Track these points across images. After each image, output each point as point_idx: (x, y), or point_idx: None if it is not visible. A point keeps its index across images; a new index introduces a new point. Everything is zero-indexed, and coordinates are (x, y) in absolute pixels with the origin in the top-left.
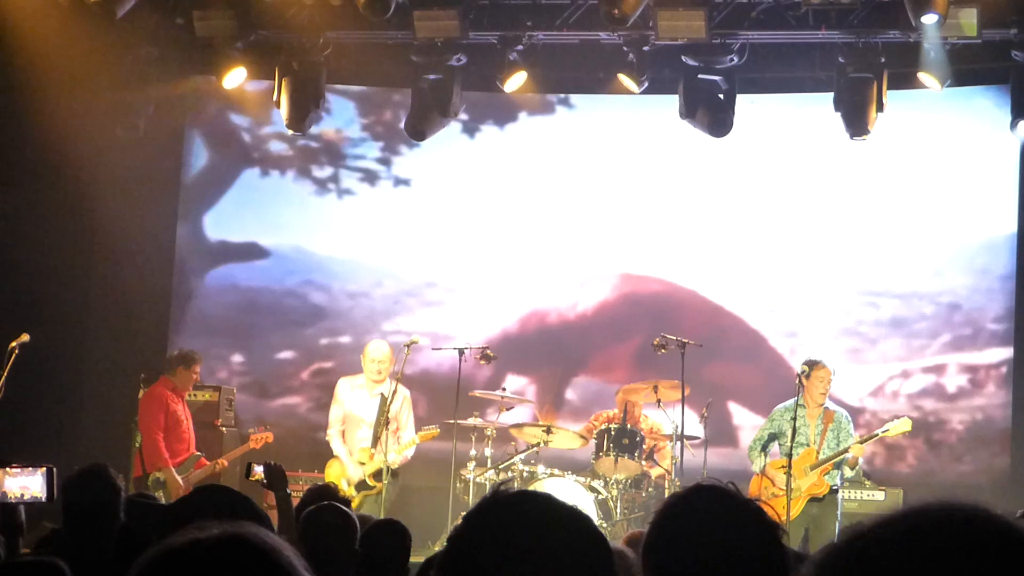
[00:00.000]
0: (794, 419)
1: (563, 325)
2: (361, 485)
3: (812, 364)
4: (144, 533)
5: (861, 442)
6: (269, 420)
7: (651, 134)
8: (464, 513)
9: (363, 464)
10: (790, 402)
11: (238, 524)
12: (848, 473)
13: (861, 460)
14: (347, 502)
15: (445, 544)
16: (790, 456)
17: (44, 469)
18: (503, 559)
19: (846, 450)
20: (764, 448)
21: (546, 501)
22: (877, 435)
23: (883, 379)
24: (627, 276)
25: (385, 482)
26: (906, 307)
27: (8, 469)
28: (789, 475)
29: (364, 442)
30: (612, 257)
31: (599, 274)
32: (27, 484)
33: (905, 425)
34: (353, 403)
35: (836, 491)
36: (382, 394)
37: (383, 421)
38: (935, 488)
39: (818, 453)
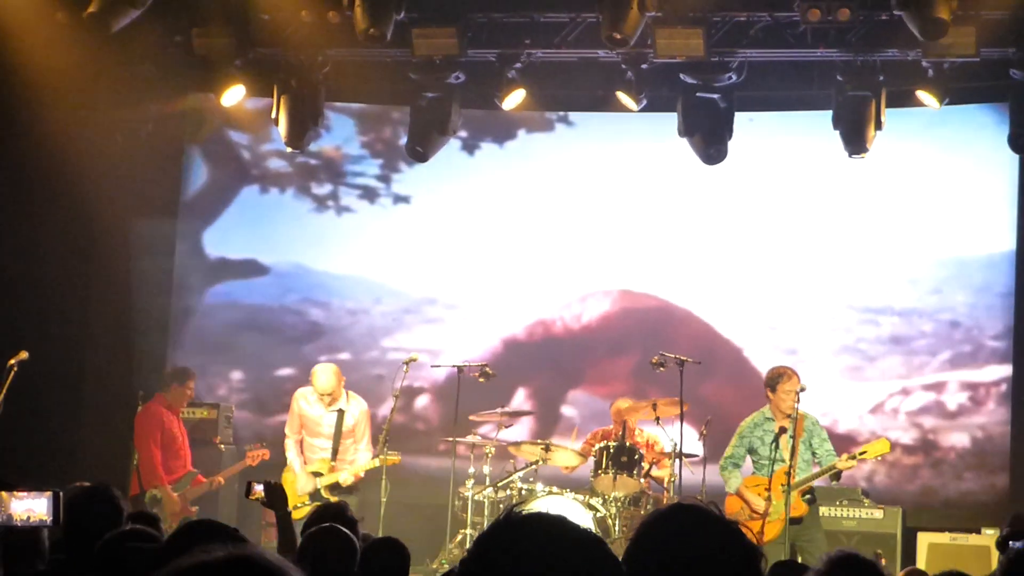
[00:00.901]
0: (795, 437)
1: (562, 340)
2: (315, 496)
3: (778, 376)
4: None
5: (852, 457)
6: (268, 437)
7: (650, 152)
8: (477, 535)
9: (320, 475)
10: (758, 415)
11: (244, 546)
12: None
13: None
14: (354, 522)
15: (459, 567)
16: (789, 474)
17: (50, 493)
18: None
19: (832, 468)
20: (737, 465)
21: (559, 523)
22: (855, 457)
23: (883, 396)
24: (626, 293)
25: (335, 497)
26: (906, 324)
27: (15, 492)
28: (787, 496)
29: (323, 452)
30: (611, 274)
31: (598, 291)
32: (32, 507)
33: (883, 447)
34: (310, 415)
35: (813, 501)
36: (340, 409)
37: (340, 434)
38: (936, 506)
39: (792, 469)
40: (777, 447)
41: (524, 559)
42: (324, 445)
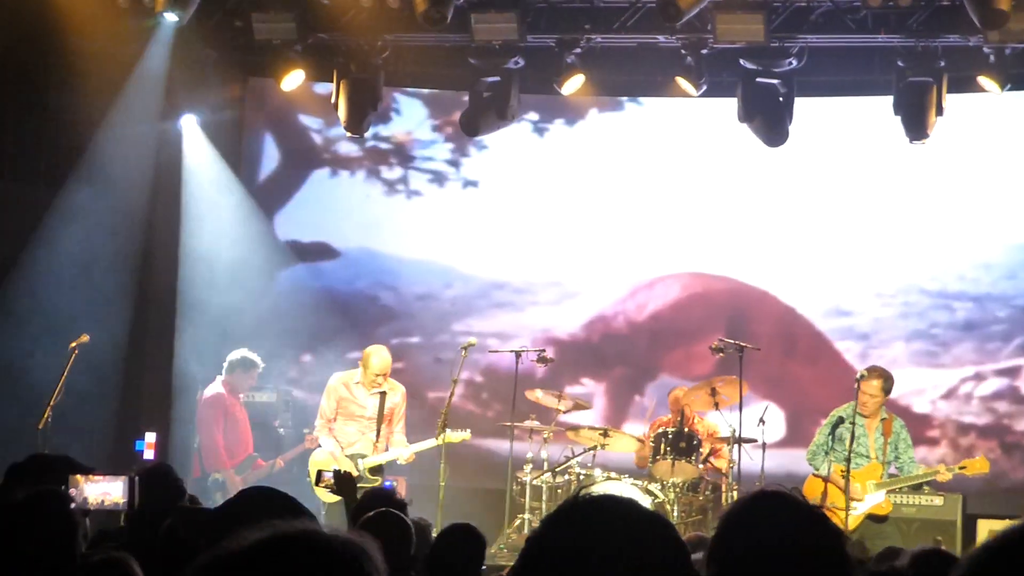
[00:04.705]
0: (853, 424)
1: (634, 326)
2: (359, 479)
3: (870, 372)
4: (191, 537)
5: (949, 470)
6: None
7: (717, 134)
8: (543, 516)
9: (363, 456)
10: (847, 408)
11: (291, 523)
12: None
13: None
14: (404, 505)
15: (524, 545)
16: (848, 463)
17: (125, 477)
18: (584, 563)
19: (932, 474)
20: (827, 453)
21: (627, 505)
22: (952, 470)
23: (955, 382)
24: (697, 275)
25: (377, 478)
26: (979, 310)
27: (90, 476)
28: (848, 484)
29: (359, 435)
30: (682, 256)
31: (669, 273)
32: (108, 491)
33: (983, 465)
34: (352, 399)
35: None
36: (383, 392)
37: (382, 416)
38: (1003, 493)
39: (884, 467)
40: (878, 444)
41: (591, 540)
42: (362, 428)
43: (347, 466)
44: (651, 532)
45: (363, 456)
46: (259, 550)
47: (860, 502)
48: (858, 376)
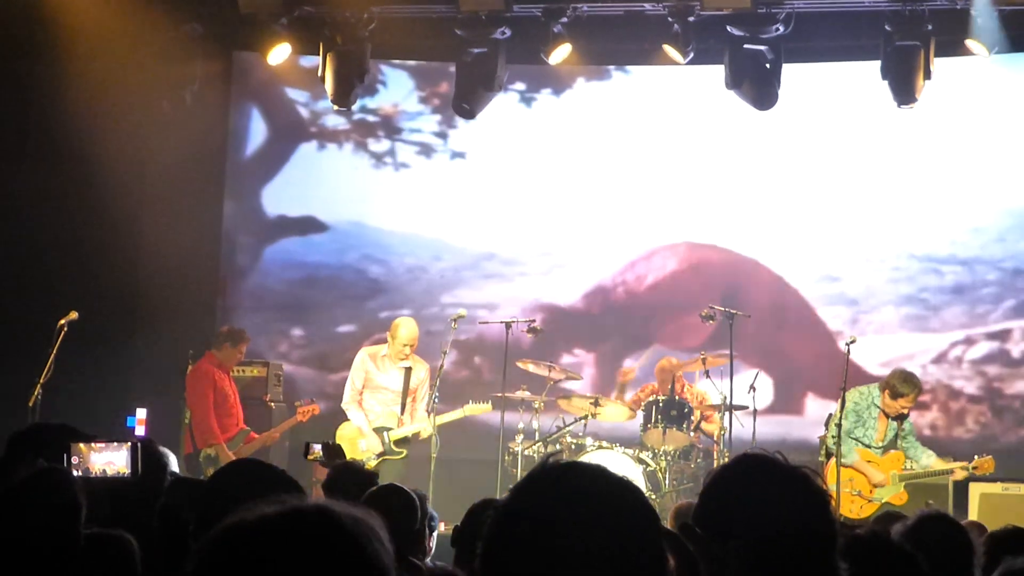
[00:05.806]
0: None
1: (633, 297)
2: (384, 452)
3: (911, 383)
4: (182, 510)
5: (963, 468)
6: (330, 393)
7: (704, 101)
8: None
9: (389, 429)
10: (868, 395)
11: (301, 499)
12: None
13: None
14: (376, 475)
15: (492, 515)
16: (838, 446)
17: (129, 444)
18: (551, 529)
19: (948, 472)
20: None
21: (595, 472)
22: (969, 469)
23: (945, 346)
24: (691, 245)
25: (403, 450)
26: (969, 273)
27: (93, 444)
28: (838, 473)
29: (385, 408)
30: (672, 225)
31: (662, 244)
32: (112, 459)
33: (990, 465)
34: (379, 373)
35: None
36: (408, 367)
37: (407, 390)
38: (993, 456)
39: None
40: (892, 434)
41: (559, 506)
42: (386, 399)
43: (373, 441)
44: (619, 497)
45: (388, 429)
46: (270, 524)
47: (883, 488)
48: (848, 341)
